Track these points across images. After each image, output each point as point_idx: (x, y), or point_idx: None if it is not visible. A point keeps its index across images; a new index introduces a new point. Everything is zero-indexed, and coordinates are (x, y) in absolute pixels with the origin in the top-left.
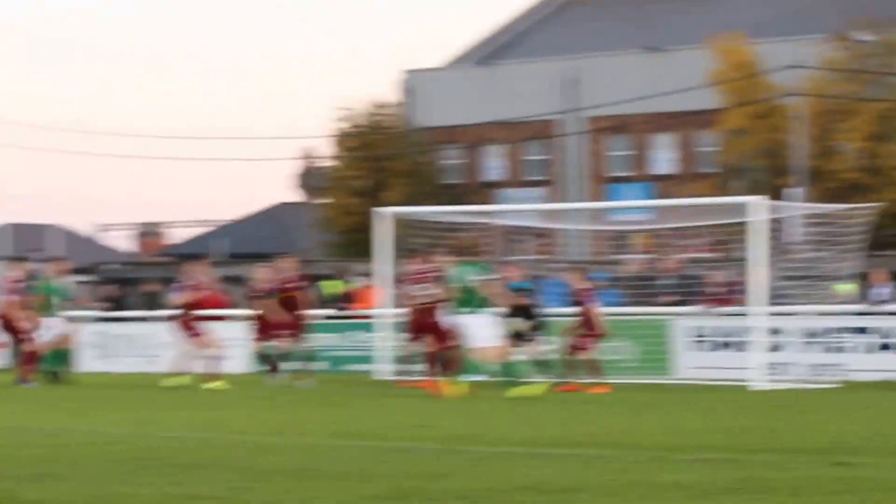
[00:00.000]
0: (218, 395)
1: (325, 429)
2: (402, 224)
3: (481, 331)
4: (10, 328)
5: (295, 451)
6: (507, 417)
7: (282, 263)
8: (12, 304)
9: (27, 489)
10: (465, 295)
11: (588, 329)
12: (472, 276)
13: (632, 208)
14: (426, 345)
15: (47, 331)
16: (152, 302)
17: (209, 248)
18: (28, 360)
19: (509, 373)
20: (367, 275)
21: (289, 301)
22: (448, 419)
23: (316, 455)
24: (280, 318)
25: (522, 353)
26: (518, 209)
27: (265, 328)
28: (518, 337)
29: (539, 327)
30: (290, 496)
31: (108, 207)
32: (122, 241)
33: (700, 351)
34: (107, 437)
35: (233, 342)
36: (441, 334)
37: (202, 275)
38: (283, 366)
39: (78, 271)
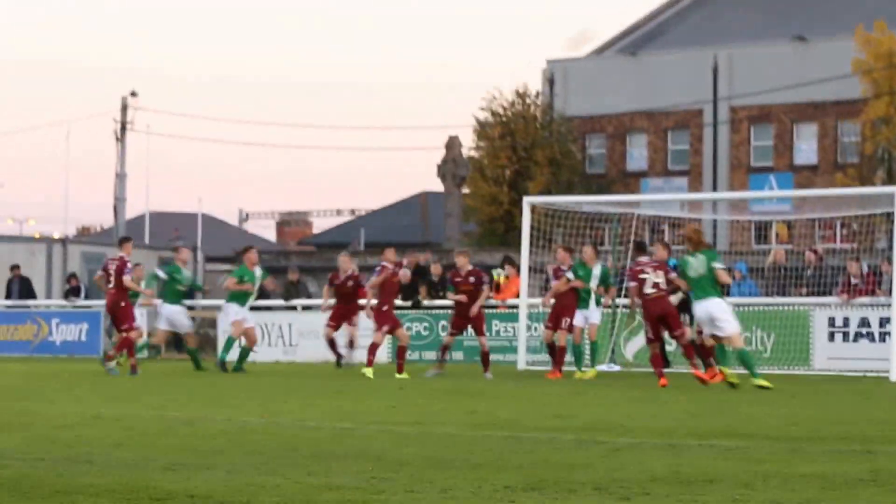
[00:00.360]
0: (356, 384)
1: (464, 419)
2: (545, 213)
3: (725, 317)
4: (114, 312)
5: (433, 441)
6: (645, 407)
7: (459, 259)
8: (121, 288)
9: (165, 479)
10: (703, 282)
11: None
12: (713, 264)
13: (773, 198)
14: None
15: (226, 318)
16: (292, 291)
17: (350, 238)
18: (122, 345)
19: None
20: (511, 264)
21: (467, 296)
22: (587, 410)
23: (454, 445)
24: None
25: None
26: (660, 199)
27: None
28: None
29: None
30: (427, 486)
31: (251, 195)
32: (264, 230)
33: (838, 342)
34: (243, 426)
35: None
36: (676, 323)
37: (390, 261)
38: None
39: (217, 260)
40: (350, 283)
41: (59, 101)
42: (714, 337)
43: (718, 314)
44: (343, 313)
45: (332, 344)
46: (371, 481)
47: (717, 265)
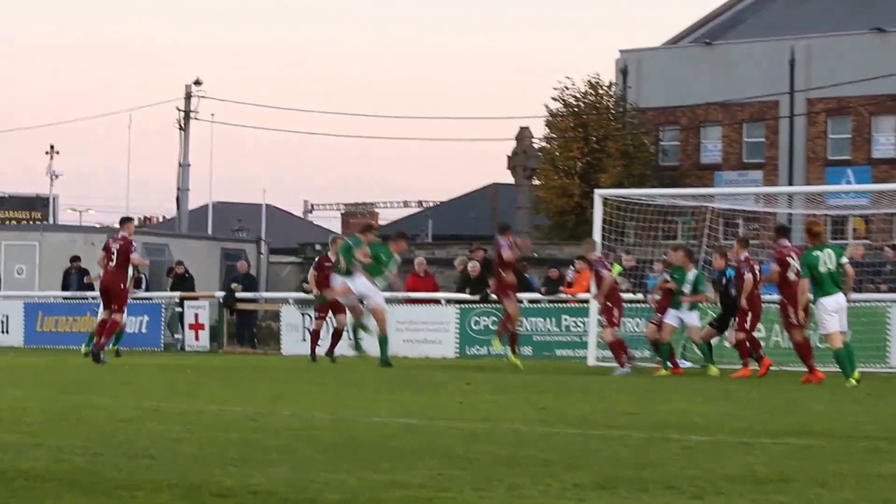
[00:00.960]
0: (423, 379)
1: (534, 416)
2: (617, 206)
3: (838, 315)
4: (109, 294)
5: (501, 439)
6: (718, 405)
7: (586, 248)
8: (122, 268)
9: (227, 474)
10: (832, 277)
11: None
12: (842, 259)
13: (850, 193)
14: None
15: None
16: None
17: (418, 230)
18: (111, 330)
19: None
20: (581, 258)
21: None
22: (658, 406)
23: (523, 442)
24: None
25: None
26: (735, 192)
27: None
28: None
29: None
30: (495, 484)
31: (316, 186)
32: (329, 222)
33: None
34: (308, 421)
35: (442, 326)
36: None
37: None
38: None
39: (281, 251)
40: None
41: (121, 89)
42: (829, 336)
43: (845, 310)
44: (332, 302)
45: (316, 336)
46: (438, 478)
47: (846, 260)
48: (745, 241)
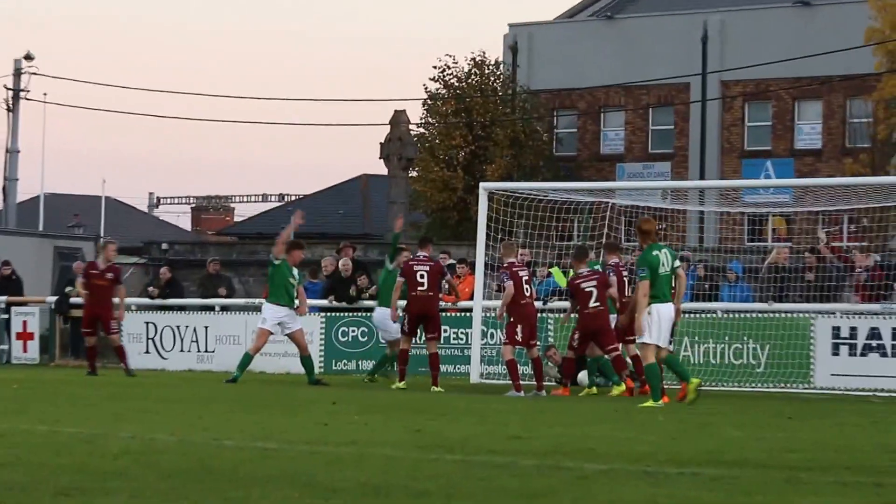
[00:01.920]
0: (284, 397)
1: (408, 439)
2: (505, 202)
3: (668, 327)
4: None
5: (370, 465)
6: (617, 428)
7: (505, 252)
8: None
9: None
10: (668, 281)
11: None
12: (677, 262)
13: (770, 188)
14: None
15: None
16: (210, 286)
17: (277, 227)
18: None
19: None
20: (463, 261)
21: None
22: (550, 430)
23: (395, 469)
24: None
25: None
26: (639, 186)
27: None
28: None
29: None
30: None
31: (163, 177)
32: (178, 217)
33: (843, 356)
34: (151, 444)
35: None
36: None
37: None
38: None
39: (123, 251)
40: (109, 274)
41: None
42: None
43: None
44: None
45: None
46: None
47: (678, 264)
48: (614, 246)
